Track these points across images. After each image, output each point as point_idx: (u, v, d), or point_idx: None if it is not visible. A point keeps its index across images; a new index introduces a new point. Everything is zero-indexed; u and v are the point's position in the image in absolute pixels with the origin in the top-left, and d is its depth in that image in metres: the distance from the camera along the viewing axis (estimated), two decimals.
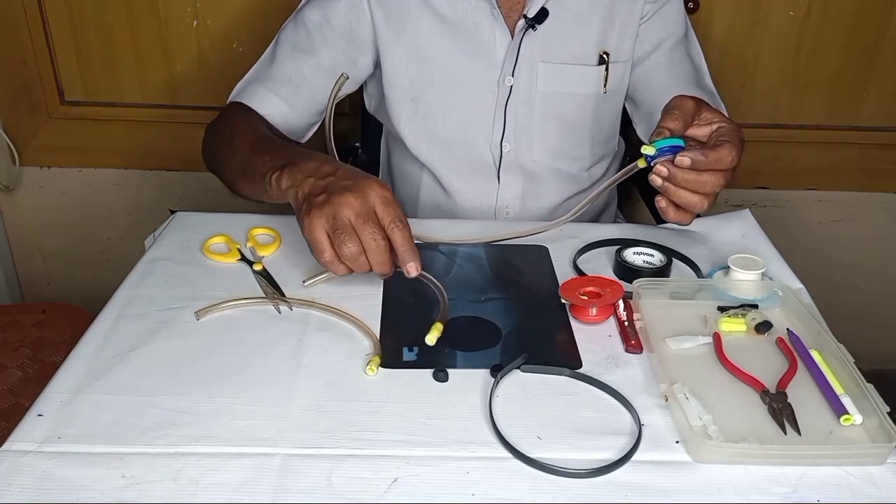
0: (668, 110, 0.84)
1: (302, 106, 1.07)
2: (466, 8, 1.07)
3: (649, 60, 1.13)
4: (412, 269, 0.78)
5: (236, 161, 0.96)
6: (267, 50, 1.12)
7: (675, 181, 0.81)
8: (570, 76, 1.10)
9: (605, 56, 1.10)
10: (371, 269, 0.78)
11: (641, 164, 0.82)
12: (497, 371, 0.72)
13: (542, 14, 1.05)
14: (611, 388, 0.72)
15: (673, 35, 1.14)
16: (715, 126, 0.85)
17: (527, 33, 1.06)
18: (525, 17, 1.05)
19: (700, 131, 0.85)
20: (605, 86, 1.11)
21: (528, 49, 1.07)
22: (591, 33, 1.09)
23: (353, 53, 1.09)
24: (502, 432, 0.66)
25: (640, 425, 0.67)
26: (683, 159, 0.79)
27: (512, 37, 1.07)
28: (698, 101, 0.86)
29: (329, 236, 0.76)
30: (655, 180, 0.82)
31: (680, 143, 0.80)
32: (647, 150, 0.80)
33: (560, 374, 0.74)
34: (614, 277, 0.88)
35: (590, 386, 0.72)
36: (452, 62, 1.09)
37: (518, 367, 0.74)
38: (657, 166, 0.81)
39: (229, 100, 1.10)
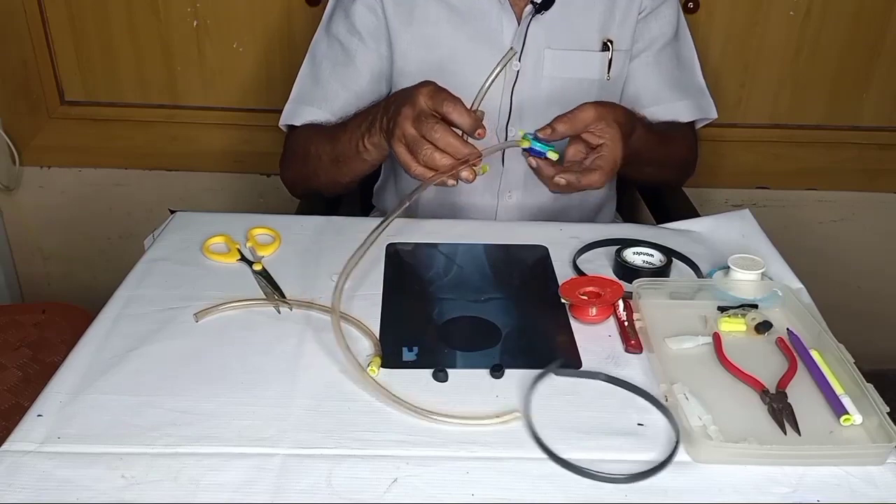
0: (565, 114, 0.92)
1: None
2: None
3: (639, 59, 1.16)
4: (481, 134, 0.87)
5: (324, 161, 1.08)
6: (304, 67, 1.18)
7: (548, 184, 0.93)
8: (575, 62, 1.13)
9: (608, 43, 1.13)
10: (458, 159, 0.86)
11: (524, 144, 0.92)
12: (497, 371, 0.72)
13: (549, 1, 1.08)
14: (647, 392, 0.71)
15: (664, 35, 1.17)
16: (601, 143, 0.93)
17: (533, 19, 1.09)
18: (532, 3, 1.08)
19: (590, 138, 0.93)
20: (608, 72, 1.14)
21: (534, 35, 1.10)
22: (594, 21, 1.12)
23: (382, 49, 1.14)
24: (539, 435, 0.65)
25: (677, 430, 0.67)
26: (560, 180, 0.91)
27: (518, 23, 1.10)
28: (602, 112, 0.92)
29: (410, 152, 0.87)
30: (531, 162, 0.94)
31: (545, 150, 0.91)
32: (523, 143, 0.92)
33: (595, 379, 0.73)
34: (614, 277, 0.88)
35: (622, 389, 0.72)
36: (459, 48, 1.11)
37: (553, 372, 0.73)
38: (546, 172, 0.92)
39: (282, 122, 1.18)
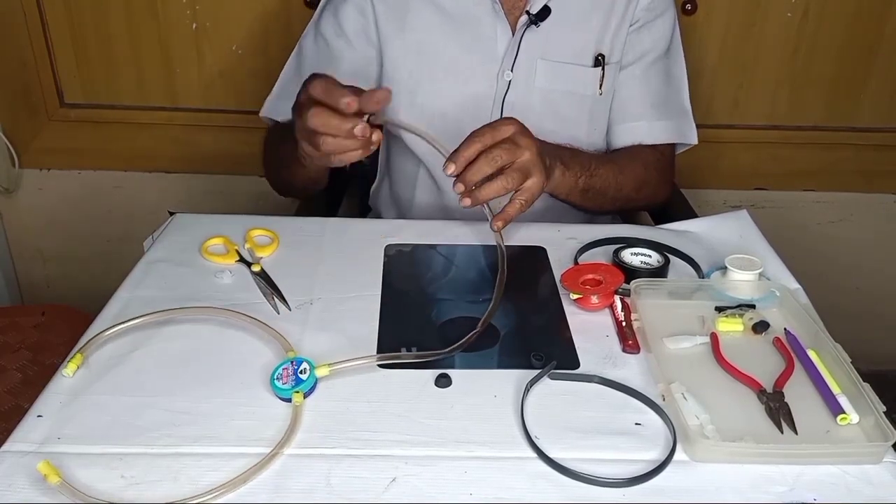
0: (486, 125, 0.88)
1: None
2: (468, 3, 1.08)
3: (627, 71, 1.14)
4: (350, 105, 0.77)
5: (280, 162, 1.04)
6: (290, 60, 1.16)
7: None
8: (567, 75, 1.11)
9: (600, 58, 1.11)
10: (339, 134, 0.79)
11: None
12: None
13: (545, 11, 1.07)
14: (642, 394, 0.71)
15: (655, 50, 1.14)
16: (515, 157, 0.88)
17: (528, 30, 1.08)
18: (528, 13, 1.07)
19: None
20: (600, 87, 1.12)
21: (528, 45, 1.09)
22: (589, 34, 1.11)
23: (369, 52, 1.12)
24: (533, 437, 0.66)
25: (673, 432, 0.67)
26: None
27: (513, 33, 1.09)
28: (522, 127, 0.89)
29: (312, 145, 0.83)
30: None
31: None
32: None
33: (589, 382, 0.73)
34: None
35: (612, 390, 0.72)
36: (451, 56, 1.10)
37: (547, 375, 0.73)
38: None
39: (261, 114, 1.15)
